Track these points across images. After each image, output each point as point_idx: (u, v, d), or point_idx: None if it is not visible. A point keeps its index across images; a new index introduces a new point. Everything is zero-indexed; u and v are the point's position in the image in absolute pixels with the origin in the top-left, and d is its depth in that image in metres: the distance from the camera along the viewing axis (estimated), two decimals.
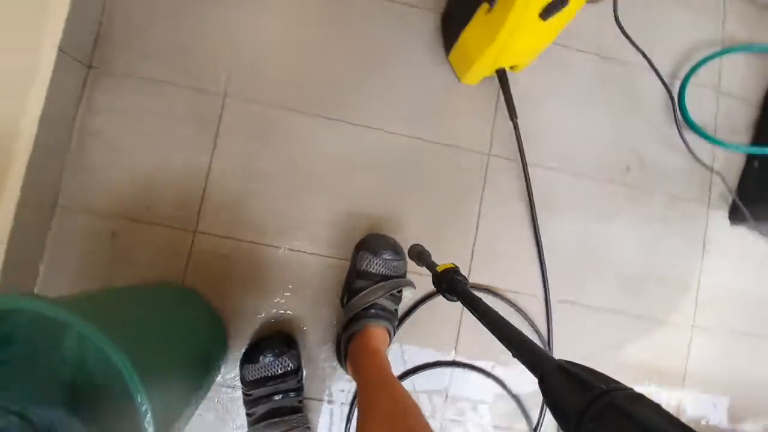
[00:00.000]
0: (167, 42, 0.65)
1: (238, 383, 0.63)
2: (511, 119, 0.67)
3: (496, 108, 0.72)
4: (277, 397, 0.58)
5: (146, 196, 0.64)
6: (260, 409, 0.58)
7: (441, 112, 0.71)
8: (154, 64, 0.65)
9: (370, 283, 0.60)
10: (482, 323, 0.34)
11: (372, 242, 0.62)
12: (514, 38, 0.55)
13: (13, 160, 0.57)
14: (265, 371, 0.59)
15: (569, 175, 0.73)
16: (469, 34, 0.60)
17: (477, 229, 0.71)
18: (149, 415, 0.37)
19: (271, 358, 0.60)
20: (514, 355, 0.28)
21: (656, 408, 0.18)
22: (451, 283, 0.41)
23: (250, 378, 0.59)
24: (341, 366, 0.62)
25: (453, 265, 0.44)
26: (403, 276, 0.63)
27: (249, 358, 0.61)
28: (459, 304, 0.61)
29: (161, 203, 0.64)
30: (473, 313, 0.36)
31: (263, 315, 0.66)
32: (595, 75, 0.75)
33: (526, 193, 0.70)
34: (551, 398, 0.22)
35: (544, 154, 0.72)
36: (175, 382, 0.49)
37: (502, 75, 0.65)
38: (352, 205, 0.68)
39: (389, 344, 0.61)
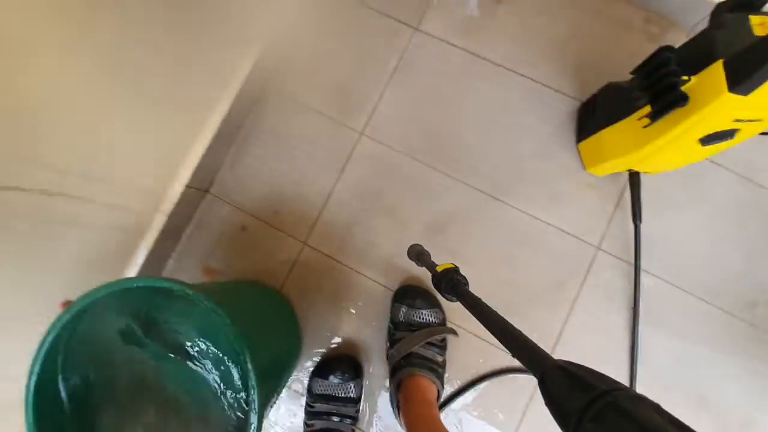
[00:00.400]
0: (330, 81, 0.76)
1: (303, 389, 0.68)
2: (634, 222, 0.65)
3: (617, 205, 0.70)
4: (335, 419, 0.62)
5: (277, 202, 0.74)
6: (318, 424, 0.62)
7: (558, 194, 0.71)
8: (315, 96, 0.76)
9: (406, 333, 0.62)
10: (482, 323, 0.33)
11: (404, 293, 0.66)
12: (662, 152, 0.55)
13: (196, 145, 0.70)
14: (330, 390, 0.63)
15: (685, 293, 0.68)
16: (612, 134, 0.61)
17: (569, 315, 0.69)
18: (257, 410, 0.42)
19: (339, 380, 0.64)
20: (514, 356, 0.28)
21: (657, 408, 0.18)
22: (450, 283, 0.40)
23: (317, 391, 0.64)
24: (397, 420, 0.64)
25: (453, 265, 0.43)
26: (441, 324, 0.65)
27: (320, 372, 0.65)
28: (532, 388, 0.59)
29: (286, 212, 0.74)
30: (473, 314, 0.35)
31: (339, 336, 0.71)
32: (737, 198, 0.70)
33: (632, 297, 0.67)
34: (551, 398, 0.22)
35: (660, 265, 0.68)
36: (263, 381, 0.54)
37: (634, 178, 0.64)
38: (449, 258, 0.71)
39: (439, 397, 0.61)
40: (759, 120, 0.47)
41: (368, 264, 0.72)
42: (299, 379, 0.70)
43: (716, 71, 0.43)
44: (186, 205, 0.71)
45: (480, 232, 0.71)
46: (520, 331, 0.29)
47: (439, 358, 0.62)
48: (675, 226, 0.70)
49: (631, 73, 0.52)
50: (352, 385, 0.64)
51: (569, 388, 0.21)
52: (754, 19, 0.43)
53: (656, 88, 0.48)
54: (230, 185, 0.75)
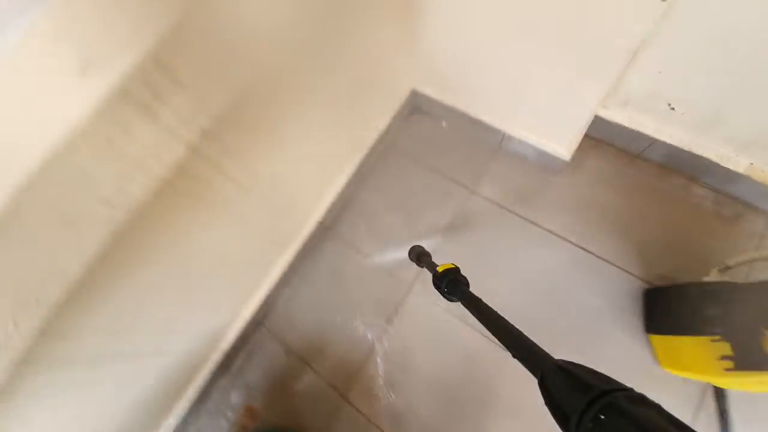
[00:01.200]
0: (386, 230, 0.81)
1: None
2: None
3: (697, 409, 0.60)
4: None
5: (323, 342, 0.76)
6: None
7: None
8: (369, 241, 0.81)
9: None
10: (483, 324, 0.32)
11: None
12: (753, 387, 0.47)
13: (260, 288, 0.76)
14: None
15: None
16: (688, 347, 0.55)
17: None
18: None
19: None
20: (514, 356, 0.27)
21: (657, 408, 0.18)
22: (451, 284, 0.39)
23: None
24: None
25: (453, 266, 0.42)
26: None
27: None
28: None
29: (330, 354, 0.74)
30: (474, 314, 0.34)
31: None
32: None
33: None
34: (551, 398, 0.22)
35: None
36: None
37: (719, 394, 0.55)
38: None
39: None
40: None
41: None
42: None
43: None
44: (239, 338, 0.76)
45: (531, 405, 0.65)
46: (520, 331, 0.29)
47: None
48: None
49: (693, 295, 0.48)
50: None
51: (569, 389, 0.21)
52: None
53: (733, 332, 0.43)
54: (281, 321, 0.79)
